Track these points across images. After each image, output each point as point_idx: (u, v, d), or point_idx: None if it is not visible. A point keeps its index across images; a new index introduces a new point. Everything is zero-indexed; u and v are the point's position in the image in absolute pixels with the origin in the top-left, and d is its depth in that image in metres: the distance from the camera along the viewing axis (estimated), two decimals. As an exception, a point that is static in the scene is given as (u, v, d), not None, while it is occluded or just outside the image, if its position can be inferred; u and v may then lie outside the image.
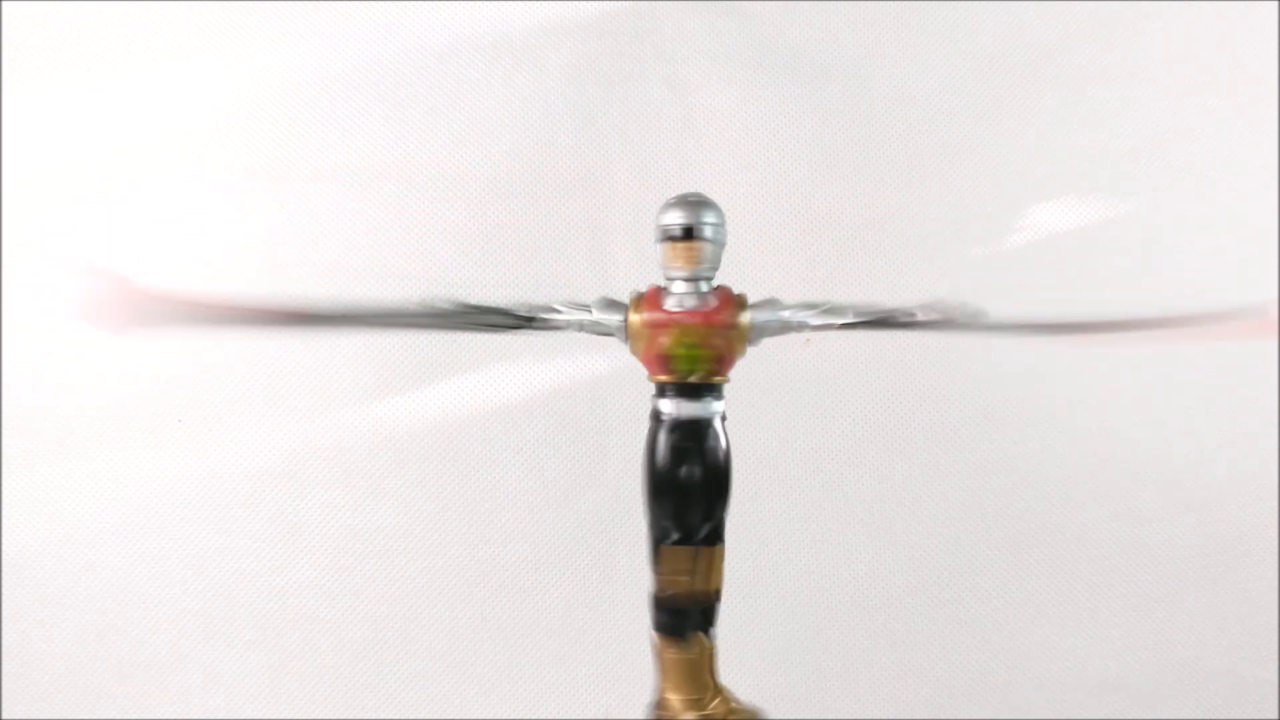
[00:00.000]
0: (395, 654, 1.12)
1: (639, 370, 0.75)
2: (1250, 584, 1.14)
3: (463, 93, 1.09)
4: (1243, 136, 1.12)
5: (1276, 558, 1.14)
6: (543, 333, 0.74)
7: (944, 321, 0.72)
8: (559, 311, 0.74)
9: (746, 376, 0.75)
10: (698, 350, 0.72)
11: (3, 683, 1.08)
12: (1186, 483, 1.14)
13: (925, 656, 1.13)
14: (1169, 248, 1.12)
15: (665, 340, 0.72)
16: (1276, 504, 1.13)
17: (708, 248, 0.73)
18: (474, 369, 1.11)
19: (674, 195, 0.74)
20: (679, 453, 0.72)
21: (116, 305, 0.60)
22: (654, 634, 0.74)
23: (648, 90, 1.10)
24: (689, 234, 0.72)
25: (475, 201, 1.09)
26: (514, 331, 0.73)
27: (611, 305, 0.74)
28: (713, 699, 0.75)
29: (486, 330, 0.73)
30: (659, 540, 0.73)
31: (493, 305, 0.73)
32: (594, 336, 0.75)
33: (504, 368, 1.11)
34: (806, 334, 0.74)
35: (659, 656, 0.75)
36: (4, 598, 1.09)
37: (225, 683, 1.10)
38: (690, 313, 0.73)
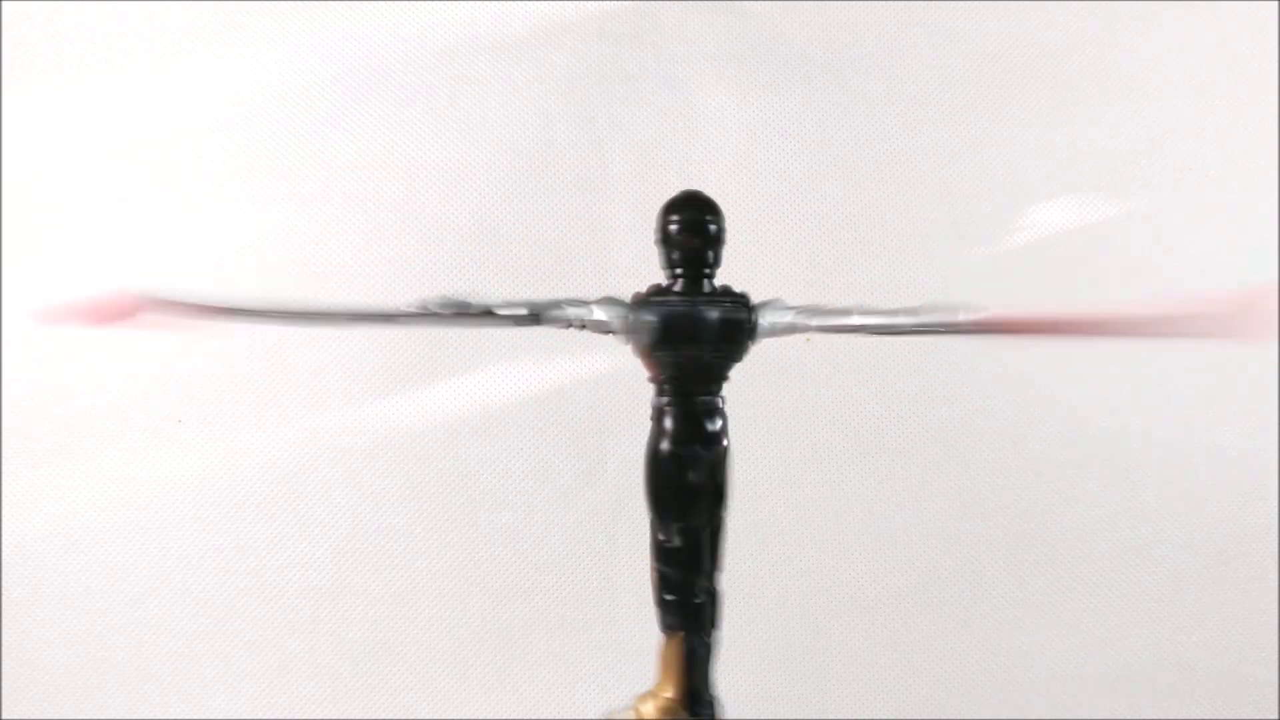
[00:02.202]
0: (395, 654, 1.12)
1: (640, 370, 0.75)
2: (1250, 584, 1.14)
3: (463, 92, 1.09)
4: (1243, 136, 1.12)
5: (1276, 558, 1.14)
6: (547, 328, 0.73)
7: (947, 325, 0.71)
8: (579, 307, 0.72)
9: (747, 376, 0.75)
10: None
11: (3, 683, 1.08)
12: (1186, 483, 1.14)
13: (925, 656, 1.13)
14: (1169, 247, 1.12)
15: None
16: (1276, 504, 1.13)
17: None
18: (474, 369, 1.11)
19: (686, 191, 0.73)
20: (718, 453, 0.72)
21: (116, 307, 0.59)
22: (678, 634, 0.74)
23: (648, 90, 1.10)
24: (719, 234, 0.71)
25: (475, 201, 1.09)
26: (524, 326, 0.72)
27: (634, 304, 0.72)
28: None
29: (497, 326, 0.72)
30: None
31: (494, 309, 0.72)
32: (593, 335, 0.74)
33: (504, 368, 1.11)
34: (807, 334, 0.74)
35: (679, 657, 0.74)
36: (4, 598, 1.09)
37: (225, 683, 1.10)
38: None
